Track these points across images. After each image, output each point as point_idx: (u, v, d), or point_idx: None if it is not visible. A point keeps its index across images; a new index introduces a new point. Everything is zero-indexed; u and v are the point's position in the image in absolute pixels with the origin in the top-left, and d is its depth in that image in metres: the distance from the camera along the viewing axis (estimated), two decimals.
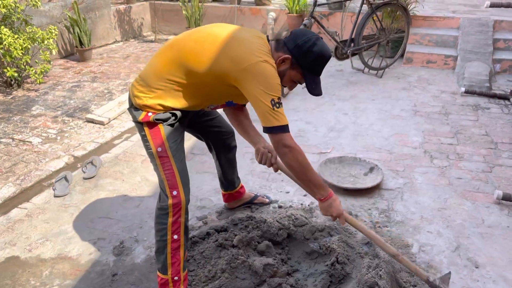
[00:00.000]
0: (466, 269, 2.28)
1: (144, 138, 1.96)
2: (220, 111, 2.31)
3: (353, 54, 5.35)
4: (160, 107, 1.89)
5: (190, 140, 3.40)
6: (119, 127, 4.11)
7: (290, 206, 2.81)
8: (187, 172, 2.04)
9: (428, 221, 2.68)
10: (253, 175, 3.21)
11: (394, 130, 3.95)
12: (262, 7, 7.30)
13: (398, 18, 5.77)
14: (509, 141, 3.69)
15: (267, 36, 1.93)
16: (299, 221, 2.43)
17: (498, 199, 2.82)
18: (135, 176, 3.24)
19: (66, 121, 4.22)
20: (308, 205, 2.82)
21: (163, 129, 1.92)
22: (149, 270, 2.30)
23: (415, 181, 3.11)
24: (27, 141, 3.78)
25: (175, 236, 1.98)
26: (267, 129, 1.78)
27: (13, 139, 3.82)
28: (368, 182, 3.05)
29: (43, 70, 4.96)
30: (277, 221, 2.45)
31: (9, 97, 4.82)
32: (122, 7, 7.48)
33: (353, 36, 5.23)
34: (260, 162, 2.20)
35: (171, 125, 1.94)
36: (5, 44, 4.49)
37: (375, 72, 5.57)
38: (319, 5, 5.31)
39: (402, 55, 5.97)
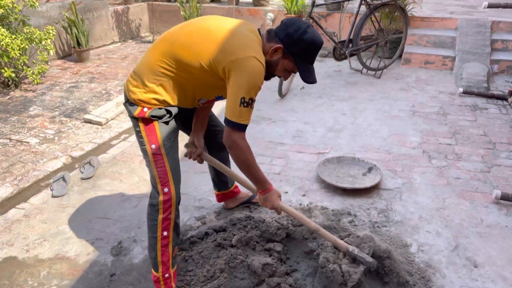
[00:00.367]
0: (465, 269, 2.28)
1: (138, 134, 1.96)
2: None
3: (351, 55, 5.36)
4: (155, 101, 1.89)
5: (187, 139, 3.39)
6: (117, 127, 4.10)
7: (289, 206, 2.80)
8: (180, 170, 2.06)
9: (427, 221, 2.68)
10: None
11: (393, 130, 3.95)
12: (260, 8, 7.31)
13: (396, 19, 5.78)
14: (507, 141, 3.70)
15: (259, 29, 1.94)
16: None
17: (497, 199, 2.82)
18: (133, 177, 3.23)
19: (63, 122, 4.20)
20: (307, 205, 2.82)
21: (158, 127, 1.93)
22: (147, 270, 2.29)
23: (414, 181, 3.11)
24: (25, 142, 3.76)
25: (165, 233, 2.01)
26: (225, 120, 1.81)
27: (10, 139, 3.80)
28: (366, 182, 3.05)
29: (40, 71, 4.95)
30: (276, 221, 2.44)
31: (7, 98, 4.80)
32: (120, 8, 7.47)
33: (351, 37, 5.23)
34: (188, 156, 2.32)
35: (166, 122, 1.95)
36: (3, 45, 4.47)
37: (373, 72, 5.57)
38: (317, 5, 5.32)
39: (400, 56, 5.98)
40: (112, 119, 4.26)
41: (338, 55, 5.28)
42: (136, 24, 7.92)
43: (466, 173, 3.20)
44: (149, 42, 7.58)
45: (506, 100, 4.60)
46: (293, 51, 1.86)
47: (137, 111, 1.90)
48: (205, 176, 3.17)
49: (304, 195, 2.95)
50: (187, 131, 2.38)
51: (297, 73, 1.96)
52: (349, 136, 3.84)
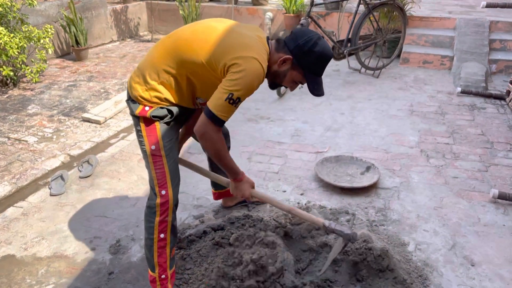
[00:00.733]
0: (462, 267, 2.29)
1: (139, 133, 1.95)
2: None
3: (350, 54, 5.36)
4: (156, 99, 1.88)
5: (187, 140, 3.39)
6: (116, 126, 4.10)
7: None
8: (179, 173, 2.04)
9: (425, 220, 2.68)
10: (250, 174, 3.21)
11: (391, 129, 3.96)
12: (259, 7, 7.31)
13: (394, 18, 5.79)
14: (505, 140, 3.71)
15: (267, 37, 1.90)
16: (295, 220, 2.43)
17: (494, 198, 2.83)
18: (131, 175, 3.23)
19: (62, 120, 4.20)
20: (305, 204, 2.82)
21: (159, 127, 1.91)
22: (145, 269, 2.29)
23: (412, 180, 3.12)
24: (23, 140, 3.76)
25: (162, 235, 1.98)
26: (205, 108, 1.77)
27: (8, 138, 3.80)
28: (364, 181, 3.05)
29: (39, 69, 4.95)
30: (274, 220, 2.45)
31: (5, 96, 4.80)
32: (118, 6, 7.46)
33: (350, 36, 5.24)
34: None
35: (167, 123, 1.93)
36: (1, 43, 4.47)
37: (372, 72, 5.58)
38: (316, 5, 5.33)
39: (398, 55, 5.99)
40: (110, 118, 4.26)
41: (337, 55, 5.29)
42: (135, 23, 7.91)
43: (463, 172, 3.21)
44: (148, 41, 7.58)
45: (504, 99, 4.61)
46: (303, 62, 1.83)
47: (138, 109, 1.89)
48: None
49: (302, 194, 2.96)
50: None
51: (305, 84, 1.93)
52: (348, 135, 3.85)
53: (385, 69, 5.71)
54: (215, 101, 1.74)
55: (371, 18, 5.34)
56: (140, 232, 2.59)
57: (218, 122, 1.77)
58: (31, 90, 5.01)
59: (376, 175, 3.07)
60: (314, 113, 4.35)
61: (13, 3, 4.75)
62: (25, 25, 4.87)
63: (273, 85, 1.98)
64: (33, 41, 4.86)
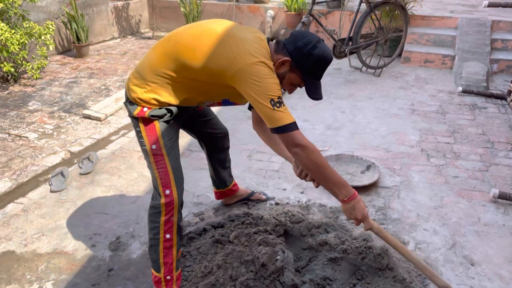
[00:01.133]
0: (461, 267, 2.29)
1: (139, 134, 1.93)
2: (228, 115, 2.29)
3: (351, 53, 5.35)
4: (155, 102, 1.85)
5: (187, 137, 3.40)
6: (116, 123, 4.10)
7: (287, 203, 2.81)
8: (182, 171, 2.02)
9: (425, 219, 2.68)
10: (250, 172, 3.21)
11: (392, 128, 3.95)
12: (260, 5, 7.29)
13: (396, 17, 5.77)
14: (506, 140, 3.70)
15: (268, 38, 1.87)
16: (296, 218, 2.43)
17: (494, 198, 2.83)
18: (131, 172, 3.23)
19: (62, 117, 4.20)
20: (305, 202, 2.82)
21: (159, 126, 1.88)
22: (145, 266, 2.30)
23: (412, 179, 3.11)
24: (24, 136, 3.76)
25: (168, 236, 1.96)
26: (273, 130, 1.70)
27: (9, 134, 3.80)
28: (365, 180, 3.05)
29: (40, 66, 4.94)
30: (274, 218, 2.45)
31: (6, 92, 4.80)
32: (120, 3, 7.45)
33: (351, 35, 5.23)
34: (299, 176, 2.00)
35: (167, 122, 1.90)
36: (2, 39, 4.46)
37: (373, 71, 5.57)
38: (317, 3, 5.31)
39: (400, 54, 5.98)
40: (111, 115, 4.26)
41: (338, 53, 5.28)
42: (136, 20, 7.90)
43: (464, 172, 3.21)
44: (149, 38, 7.57)
45: (505, 99, 4.61)
46: (301, 65, 1.79)
47: (136, 110, 1.86)
48: (204, 173, 3.18)
49: (302, 192, 2.95)
50: (187, 131, 2.37)
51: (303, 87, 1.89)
52: (348, 134, 3.85)
53: (386, 68, 5.71)
54: (269, 119, 1.68)
55: (373, 16, 5.33)
56: (140, 229, 2.59)
57: (290, 128, 1.68)
58: (32, 86, 5.01)
59: (376, 174, 3.07)
60: (314, 112, 4.35)
61: None
62: (26, 21, 4.87)
63: None
64: (34, 38, 4.86)
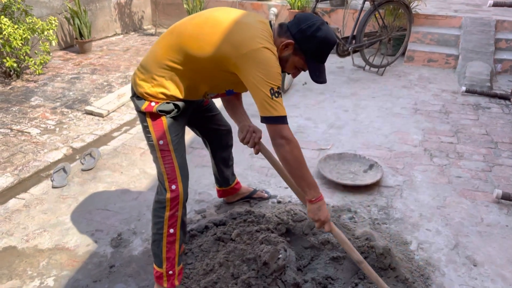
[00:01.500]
0: (464, 267, 2.28)
1: (146, 129, 1.92)
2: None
3: (355, 51, 5.34)
4: (163, 96, 1.84)
5: (190, 134, 3.37)
6: (118, 119, 4.09)
7: (289, 201, 2.80)
8: (187, 167, 2.02)
9: (427, 219, 2.67)
10: (252, 170, 3.20)
11: (394, 128, 3.94)
12: (264, 2, 7.28)
13: (400, 16, 5.75)
14: (509, 140, 3.68)
15: (270, 21, 1.86)
16: (298, 216, 2.42)
17: (498, 198, 2.82)
18: (133, 169, 3.22)
19: (65, 113, 4.19)
20: None
21: (166, 122, 1.88)
22: (146, 263, 2.29)
23: (415, 179, 3.10)
24: (26, 132, 3.76)
25: (171, 230, 1.96)
26: (264, 119, 1.70)
27: (11, 129, 3.80)
28: (367, 179, 3.04)
29: (42, 61, 4.94)
30: (276, 216, 2.44)
31: (8, 88, 4.79)
32: None
33: (354, 33, 5.21)
34: (242, 141, 2.12)
35: (174, 118, 1.90)
36: (5, 34, 4.46)
37: (376, 69, 5.56)
38: (321, 1, 5.29)
39: (403, 53, 5.95)
40: (113, 111, 4.25)
41: (341, 51, 5.26)
42: (138, 16, 7.89)
43: (467, 172, 3.20)
44: (152, 34, 7.56)
45: (509, 99, 4.58)
46: (305, 48, 1.77)
47: (144, 105, 1.86)
48: (206, 170, 3.17)
49: None
50: (192, 127, 2.36)
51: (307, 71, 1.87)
52: (351, 133, 3.83)
53: (390, 67, 5.69)
54: (263, 107, 1.68)
55: (377, 15, 5.30)
56: (142, 226, 2.59)
57: (281, 120, 1.70)
58: (34, 82, 5.00)
59: (379, 173, 3.06)
60: (317, 110, 4.33)
61: None
62: (29, 17, 4.87)
63: None
64: (37, 33, 4.85)
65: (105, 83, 5.04)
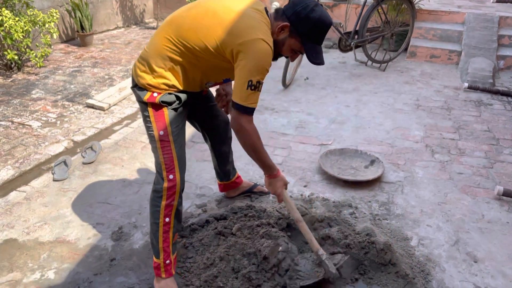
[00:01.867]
0: (465, 263, 2.28)
1: (146, 118, 1.94)
2: None
3: (357, 47, 5.32)
4: (165, 86, 1.87)
5: (190, 128, 3.37)
6: (119, 113, 4.08)
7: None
8: (185, 158, 2.05)
9: (428, 215, 2.67)
10: (253, 165, 3.19)
11: (396, 123, 3.93)
12: None
13: (403, 11, 5.72)
14: (511, 137, 3.67)
15: (265, 8, 1.90)
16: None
17: (499, 195, 2.81)
18: (134, 162, 3.22)
19: (66, 106, 4.19)
20: (308, 196, 2.81)
21: (167, 113, 1.91)
22: (147, 256, 2.30)
23: (416, 175, 3.10)
24: (27, 125, 3.75)
25: (167, 219, 2.00)
26: (233, 103, 1.79)
27: (12, 122, 3.79)
28: (368, 174, 3.04)
29: (43, 54, 4.92)
30: (277, 211, 2.44)
31: (9, 80, 4.78)
32: None
33: (357, 28, 5.19)
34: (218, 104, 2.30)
35: (175, 109, 1.93)
36: (6, 27, 4.44)
37: (378, 65, 5.53)
38: None
39: (406, 49, 5.93)
40: (114, 105, 4.24)
41: (344, 47, 5.24)
42: (140, 9, 7.86)
43: (468, 169, 3.19)
44: (153, 28, 7.53)
45: (511, 96, 4.57)
46: (300, 30, 1.82)
47: (146, 96, 1.88)
48: (207, 164, 3.17)
49: (305, 186, 2.94)
50: (191, 120, 2.36)
51: (304, 57, 1.92)
52: (352, 128, 3.82)
53: (392, 63, 5.66)
54: (238, 93, 1.76)
55: (379, 10, 5.28)
56: (143, 220, 2.59)
57: (248, 111, 1.79)
58: (35, 74, 4.99)
59: (380, 169, 3.06)
60: (319, 105, 4.32)
61: None
62: (30, 9, 4.84)
63: (274, 56, 1.92)
64: (38, 25, 4.84)
65: (106, 77, 5.02)
